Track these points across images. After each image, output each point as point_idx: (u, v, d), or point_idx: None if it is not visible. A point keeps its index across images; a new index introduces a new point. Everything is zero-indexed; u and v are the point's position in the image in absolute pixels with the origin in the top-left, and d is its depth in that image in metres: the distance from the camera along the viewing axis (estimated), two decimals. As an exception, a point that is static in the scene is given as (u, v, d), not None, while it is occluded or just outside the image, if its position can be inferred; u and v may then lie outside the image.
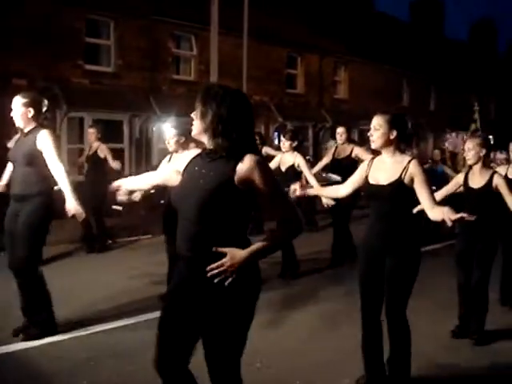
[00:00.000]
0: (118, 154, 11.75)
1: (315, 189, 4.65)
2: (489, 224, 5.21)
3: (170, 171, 3.16)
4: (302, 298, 6.57)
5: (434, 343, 5.16)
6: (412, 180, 3.86)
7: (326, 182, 7.41)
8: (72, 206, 4.86)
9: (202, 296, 2.70)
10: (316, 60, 21.42)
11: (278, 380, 4.26)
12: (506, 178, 6.22)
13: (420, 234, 4.16)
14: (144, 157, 15.70)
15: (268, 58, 19.24)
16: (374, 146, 4.02)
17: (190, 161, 2.87)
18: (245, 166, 2.63)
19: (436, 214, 3.73)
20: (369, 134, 4.05)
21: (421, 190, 3.85)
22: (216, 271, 2.59)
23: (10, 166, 5.31)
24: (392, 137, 3.93)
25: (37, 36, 13.43)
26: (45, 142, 4.83)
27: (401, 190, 3.86)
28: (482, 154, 5.16)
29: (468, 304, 5.33)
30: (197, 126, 2.78)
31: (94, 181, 8.89)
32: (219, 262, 2.59)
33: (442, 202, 4.38)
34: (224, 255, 2.61)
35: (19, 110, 4.89)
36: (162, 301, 5.73)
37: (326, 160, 8.67)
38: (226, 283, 2.59)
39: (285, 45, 19.98)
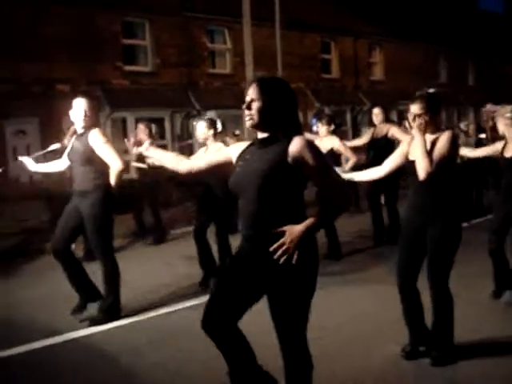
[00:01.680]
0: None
1: (349, 175, 4.62)
2: None
3: (222, 155, 3.34)
4: (348, 275, 6.82)
5: (475, 309, 5.33)
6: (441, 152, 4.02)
7: None
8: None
9: (265, 271, 2.93)
10: (350, 43, 21.43)
11: (330, 347, 4.52)
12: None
13: (460, 206, 4.30)
14: (187, 152, 16.04)
15: (301, 45, 19.36)
16: (416, 129, 4.12)
17: (243, 150, 3.12)
18: (296, 146, 2.88)
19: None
20: (411, 118, 4.17)
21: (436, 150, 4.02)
22: (280, 252, 2.82)
23: (57, 161, 5.80)
24: (427, 118, 4.07)
25: (76, 42, 13.93)
26: (96, 139, 5.20)
27: (436, 164, 4.01)
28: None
29: (501, 270, 5.54)
30: (252, 118, 2.97)
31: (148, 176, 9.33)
32: (280, 242, 2.83)
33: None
34: (283, 234, 2.84)
35: (84, 111, 5.26)
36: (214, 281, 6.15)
37: (363, 140, 8.82)
38: (293, 261, 2.82)
39: (317, 30, 20.07)
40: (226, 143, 6.84)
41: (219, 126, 6.55)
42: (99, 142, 5.21)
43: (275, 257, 2.83)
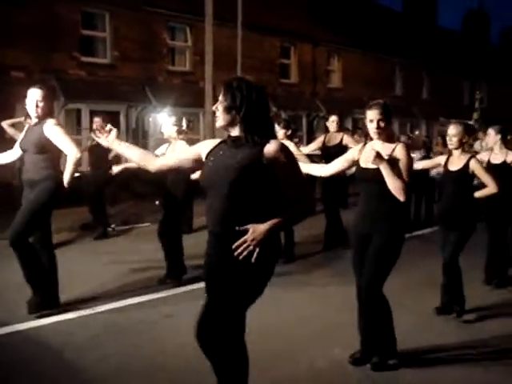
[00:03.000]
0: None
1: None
2: (465, 205, 5.47)
3: (192, 152, 3.33)
4: (299, 277, 6.89)
5: (419, 318, 5.45)
6: (397, 163, 4.13)
7: None
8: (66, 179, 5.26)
9: (232, 268, 2.95)
10: (309, 50, 21.62)
11: (274, 349, 4.57)
12: (489, 163, 6.53)
13: (406, 217, 4.40)
14: (141, 147, 15.85)
15: (262, 48, 19.45)
16: (375, 135, 4.23)
17: (214, 147, 3.13)
18: (272, 148, 2.94)
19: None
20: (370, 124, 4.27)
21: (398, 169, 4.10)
22: (240, 249, 2.86)
23: (10, 152, 5.64)
24: (382, 125, 4.19)
25: (34, 29, 13.64)
26: (52, 129, 5.12)
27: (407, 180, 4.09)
28: (464, 140, 5.44)
29: (451, 284, 5.60)
30: (222, 118, 3.02)
31: (97, 170, 9.34)
32: (242, 239, 2.87)
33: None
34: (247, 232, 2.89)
35: (37, 101, 5.16)
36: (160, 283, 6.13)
37: (314, 145, 8.89)
38: (253, 259, 2.86)
39: (278, 35, 20.20)
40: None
41: (184, 124, 6.63)
42: (55, 132, 5.13)
43: (235, 253, 2.87)
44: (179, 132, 6.62)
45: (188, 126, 6.84)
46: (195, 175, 5.75)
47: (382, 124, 4.19)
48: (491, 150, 6.87)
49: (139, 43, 16.07)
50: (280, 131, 7.69)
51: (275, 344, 4.70)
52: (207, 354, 3.11)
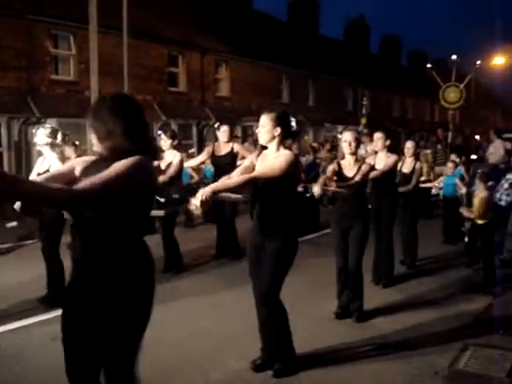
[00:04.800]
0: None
1: (212, 187, 4.03)
2: (362, 208, 5.71)
3: (66, 168, 3.04)
4: (190, 290, 6.81)
5: (311, 320, 5.56)
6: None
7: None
8: None
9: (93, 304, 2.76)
10: (197, 58, 21.62)
11: (168, 366, 4.50)
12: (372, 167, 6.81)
13: (297, 222, 4.47)
14: (24, 160, 15.23)
15: (149, 57, 19.24)
16: (260, 141, 4.34)
17: (89, 165, 2.90)
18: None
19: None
20: (256, 130, 4.34)
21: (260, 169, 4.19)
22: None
23: None
24: (276, 133, 4.26)
25: None
26: None
27: (278, 182, 4.15)
28: (354, 145, 5.66)
29: (346, 285, 5.79)
30: (93, 140, 2.83)
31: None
32: None
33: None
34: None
35: None
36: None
37: (203, 157, 8.82)
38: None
39: (166, 43, 20.07)
40: (63, 153, 6.59)
41: (59, 137, 6.24)
42: None
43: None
44: (52, 145, 6.18)
45: (64, 140, 6.39)
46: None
47: (277, 131, 4.25)
48: (375, 153, 7.16)
49: (20, 52, 15.39)
50: (167, 141, 7.60)
51: (168, 361, 4.63)
52: None
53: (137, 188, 2.69)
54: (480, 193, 7.35)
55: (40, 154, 6.52)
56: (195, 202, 3.80)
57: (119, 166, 2.63)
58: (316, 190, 5.50)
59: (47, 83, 16.29)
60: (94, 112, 2.83)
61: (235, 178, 4.25)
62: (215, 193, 3.93)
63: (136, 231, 2.84)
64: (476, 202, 7.36)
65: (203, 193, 3.83)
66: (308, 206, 10.63)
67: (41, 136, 6.19)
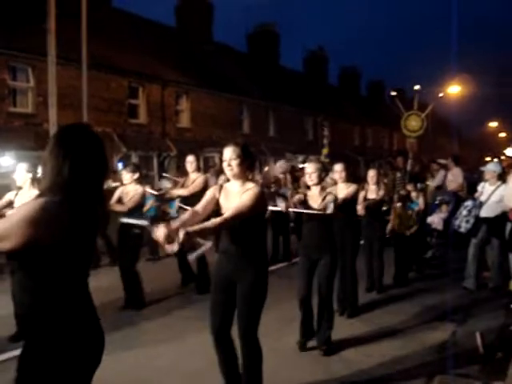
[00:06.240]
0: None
1: (188, 230, 3.69)
2: (330, 240, 5.68)
3: None
4: (151, 325, 6.66)
5: (276, 356, 5.45)
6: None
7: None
8: None
9: None
10: (158, 90, 21.62)
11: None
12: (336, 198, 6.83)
13: (266, 254, 4.39)
14: None
15: (109, 89, 19.16)
16: (231, 175, 4.18)
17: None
18: None
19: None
20: (224, 163, 4.19)
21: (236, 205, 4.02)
22: None
23: None
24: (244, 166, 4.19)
25: None
26: None
27: (249, 218, 4.02)
28: (322, 176, 5.67)
29: (311, 317, 5.74)
30: (43, 172, 2.65)
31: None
32: None
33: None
34: None
35: None
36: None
37: (181, 192, 8.36)
38: None
39: (126, 75, 20.03)
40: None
41: (40, 171, 6.16)
42: None
43: None
44: (33, 180, 6.13)
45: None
46: None
47: (239, 164, 4.13)
48: (335, 184, 7.20)
49: (-24, 84, 15.18)
50: (127, 175, 7.49)
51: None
52: None
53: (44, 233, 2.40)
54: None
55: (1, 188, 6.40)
56: (159, 234, 3.52)
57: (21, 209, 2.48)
58: (282, 205, 5.51)
59: (5, 116, 16.08)
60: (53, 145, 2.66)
61: (210, 221, 3.90)
62: (191, 237, 3.62)
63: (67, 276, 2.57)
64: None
65: (172, 233, 3.54)
66: (276, 238, 10.65)
67: (21, 172, 6.12)
